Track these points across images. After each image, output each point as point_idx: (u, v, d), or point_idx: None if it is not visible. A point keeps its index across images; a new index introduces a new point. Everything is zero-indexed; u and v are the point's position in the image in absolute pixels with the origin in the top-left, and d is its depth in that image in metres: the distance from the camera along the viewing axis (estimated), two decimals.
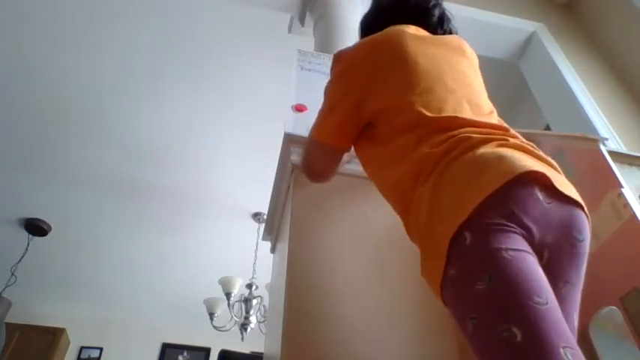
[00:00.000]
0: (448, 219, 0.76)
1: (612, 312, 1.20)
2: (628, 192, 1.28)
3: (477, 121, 0.90)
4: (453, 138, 0.85)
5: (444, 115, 0.90)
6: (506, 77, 3.29)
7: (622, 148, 2.39)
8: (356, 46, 1.07)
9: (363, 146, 1.05)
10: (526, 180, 0.76)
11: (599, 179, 1.32)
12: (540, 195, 0.77)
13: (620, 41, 2.94)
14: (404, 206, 0.90)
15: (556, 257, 0.78)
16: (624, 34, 2.92)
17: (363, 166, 1.07)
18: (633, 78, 2.84)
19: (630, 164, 1.47)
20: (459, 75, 1.00)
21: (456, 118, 0.89)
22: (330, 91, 1.06)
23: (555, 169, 0.86)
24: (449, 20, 1.18)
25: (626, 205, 1.25)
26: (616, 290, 1.19)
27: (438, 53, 1.01)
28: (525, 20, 3.01)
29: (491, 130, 0.89)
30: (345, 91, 1.03)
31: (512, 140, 0.86)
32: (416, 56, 0.98)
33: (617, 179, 1.31)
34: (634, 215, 1.22)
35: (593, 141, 1.45)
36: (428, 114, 0.90)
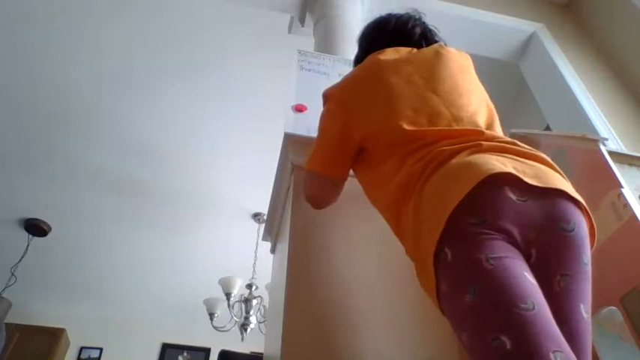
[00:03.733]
0: (428, 237, 0.78)
1: (612, 312, 1.20)
2: (628, 192, 1.28)
3: (450, 132, 0.92)
4: (428, 155, 0.87)
5: (419, 129, 0.93)
6: (506, 77, 3.29)
7: (622, 148, 2.39)
8: (338, 84, 1.13)
9: (359, 171, 1.10)
10: (493, 183, 0.76)
11: (599, 179, 1.32)
12: (512, 194, 0.76)
13: (620, 41, 2.94)
14: (397, 227, 0.93)
15: (545, 253, 0.77)
16: (624, 34, 2.92)
17: (363, 190, 1.09)
18: (633, 78, 2.84)
19: (630, 164, 1.47)
20: (437, 82, 1.01)
21: (431, 131, 0.92)
22: (320, 128, 1.13)
23: (541, 161, 0.85)
24: (433, 34, 1.20)
25: (626, 205, 1.25)
26: (616, 290, 1.19)
27: (412, 69, 1.04)
28: (525, 20, 3.01)
29: (465, 137, 0.89)
30: (331, 126, 1.09)
31: (486, 144, 0.86)
32: (390, 80, 1.02)
33: (617, 179, 1.31)
34: (634, 215, 1.22)
35: (593, 141, 1.45)
36: (405, 132, 0.93)
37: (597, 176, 1.32)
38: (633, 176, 1.41)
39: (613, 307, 1.20)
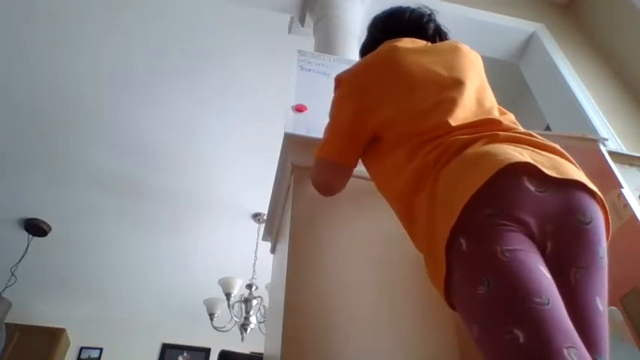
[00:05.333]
0: (442, 226, 0.77)
1: (612, 312, 1.20)
2: (628, 192, 1.28)
3: (467, 123, 0.91)
4: (442, 144, 0.86)
5: (434, 121, 0.92)
6: (506, 77, 3.29)
7: (622, 148, 2.39)
8: (352, 68, 1.11)
9: (368, 160, 1.08)
10: (511, 173, 0.75)
11: (599, 179, 1.31)
12: (530, 185, 0.75)
13: (620, 41, 2.94)
14: (407, 217, 0.92)
15: (561, 245, 0.76)
16: (624, 34, 2.92)
17: (372, 179, 1.09)
18: (633, 78, 2.84)
19: (630, 164, 1.47)
20: (457, 74, 1.01)
21: (446, 123, 0.90)
22: (333, 113, 1.10)
23: (557, 153, 0.85)
24: (445, 34, 1.20)
25: (626, 205, 1.25)
26: (616, 290, 1.19)
27: (432, 59, 1.04)
28: (525, 20, 3.01)
29: (482, 128, 0.89)
30: (345, 111, 1.07)
31: (502, 134, 0.85)
32: (409, 67, 1.01)
33: (617, 179, 1.31)
34: (634, 215, 1.22)
35: (593, 141, 1.46)
36: (421, 122, 0.93)
37: (597, 176, 1.32)
38: (633, 176, 1.41)
39: (613, 307, 1.20)
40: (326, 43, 2.23)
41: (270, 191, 1.51)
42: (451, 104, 0.94)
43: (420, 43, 1.10)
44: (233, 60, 3.15)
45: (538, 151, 0.82)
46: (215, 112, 3.46)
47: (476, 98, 0.99)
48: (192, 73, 3.22)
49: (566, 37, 3.01)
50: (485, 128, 0.88)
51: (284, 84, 1.92)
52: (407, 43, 1.08)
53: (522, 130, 0.91)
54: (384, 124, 1.00)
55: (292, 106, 1.52)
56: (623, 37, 2.92)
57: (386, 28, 1.20)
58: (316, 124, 1.39)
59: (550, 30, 2.99)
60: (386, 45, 1.09)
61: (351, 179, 1.13)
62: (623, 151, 2.17)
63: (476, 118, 0.93)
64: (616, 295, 1.19)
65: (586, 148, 1.42)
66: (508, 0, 3.07)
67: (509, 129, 0.89)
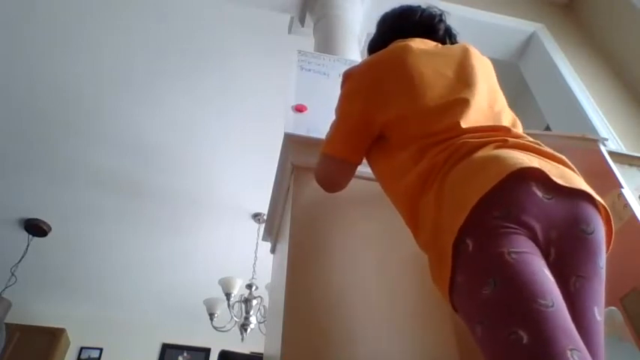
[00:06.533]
0: (449, 226, 0.77)
1: (612, 312, 1.20)
2: (628, 192, 1.28)
3: (477, 127, 0.91)
4: (451, 146, 0.86)
5: (445, 123, 0.92)
6: (506, 77, 3.27)
7: (622, 148, 2.40)
8: (362, 64, 1.11)
9: (374, 159, 1.08)
10: (521, 177, 0.76)
11: (599, 179, 1.32)
12: (538, 191, 0.76)
13: (620, 41, 2.94)
14: (412, 217, 0.92)
15: (564, 253, 0.77)
16: (624, 34, 2.92)
17: (377, 178, 1.08)
18: (633, 78, 2.84)
19: (630, 164, 1.47)
20: (467, 78, 1.01)
21: (457, 125, 0.90)
22: (340, 109, 1.10)
23: (563, 163, 0.86)
24: (454, 36, 1.21)
25: (626, 205, 1.25)
26: (616, 290, 1.19)
27: (442, 60, 1.04)
28: (525, 20, 3.01)
29: (491, 133, 0.89)
30: (353, 107, 1.06)
31: (511, 140, 0.86)
32: (420, 68, 1.01)
33: (617, 179, 1.31)
34: (634, 215, 1.22)
35: (593, 141, 1.46)
36: (430, 123, 0.93)
37: (597, 176, 1.32)
38: (633, 176, 1.41)
39: (613, 307, 1.20)
40: (326, 43, 2.23)
41: (270, 191, 1.51)
42: (462, 106, 0.94)
43: (430, 43, 1.10)
44: (233, 60, 3.15)
45: (546, 159, 0.83)
46: (215, 112, 3.46)
47: (486, 101, 1.00)
48: (192, 73, 3.22)
49: (566, 37, 3.01)
50: (495, 134, 0.89)
51: (284, 84, 1.92)
52: (418, 43, 1.08)
53: (531, 139, 0.91)
54: (392, 122, 0.99)
55: (292, 106, 1.52)
56: (623, 37, 2.92)
57: (396, 26, 1.20)
58: (316, 124, 1.39)
59: (550, 30, 2.99)
60: (397, 44, 1.09)
61: (352, 180, 1.13)
62: (623, 151, 2.17)
63: (486, 122, 0.94)
64: (616, 295, 1.19)
65: (586, 148, 1.42)
66: (508, 0, 3.07)
67: (518, 136, 0.90)
